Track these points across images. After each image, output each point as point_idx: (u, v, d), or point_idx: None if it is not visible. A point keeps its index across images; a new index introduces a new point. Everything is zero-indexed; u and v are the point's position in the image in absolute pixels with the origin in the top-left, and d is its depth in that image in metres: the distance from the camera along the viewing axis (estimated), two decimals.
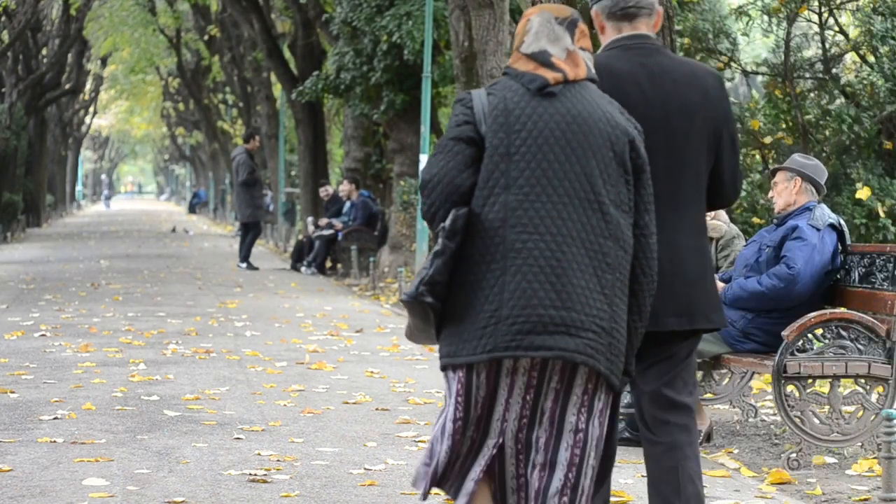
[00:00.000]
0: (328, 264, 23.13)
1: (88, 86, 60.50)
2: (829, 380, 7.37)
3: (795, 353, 7.32)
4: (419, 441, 7.70)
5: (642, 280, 4.35)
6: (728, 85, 23.61)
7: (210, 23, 42.41)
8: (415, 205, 21.16)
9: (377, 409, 8.86)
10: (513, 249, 4.18)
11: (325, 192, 24.65)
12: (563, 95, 4.32)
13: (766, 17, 14.23)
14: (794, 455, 7.30)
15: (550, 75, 4.33)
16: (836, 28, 14.63)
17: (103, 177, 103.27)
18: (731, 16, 15.19)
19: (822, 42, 14.46)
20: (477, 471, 4.28)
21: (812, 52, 15.17)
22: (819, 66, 14.47)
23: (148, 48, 48.03)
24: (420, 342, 4.42)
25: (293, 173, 40.04)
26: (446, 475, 4.34)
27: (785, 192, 7.88)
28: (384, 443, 7.69)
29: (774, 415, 8.84)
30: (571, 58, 4.38)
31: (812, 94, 14.47)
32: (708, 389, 8.73)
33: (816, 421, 7.34)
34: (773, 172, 8.08)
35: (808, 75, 14.51)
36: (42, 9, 38.93)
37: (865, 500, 6.56)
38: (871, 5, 13.83)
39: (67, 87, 47.04)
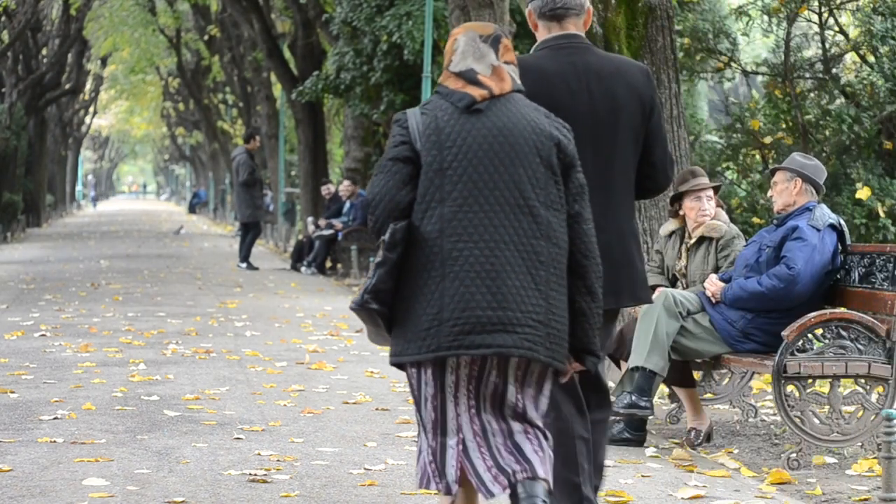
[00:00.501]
0: (328, 264, 23.12)
1: (88, 86, 60.46)
2: (829, 380, 7.37)
3: (795, 353, 7.32)
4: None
5: (585, 263, 4.67)
6: (728, 85, 23.59)
7: (210, 23, 42.37)
8: None
9: (377, 409, 8.86)
10: (450, 257, 4.52)
11: (326, 190, 24.68)
12: (489, 111, 4.64)
13: (766, 17, 14.24)
14: (794, 455, 7.30)
15: (477, 92, 4.65)
16: (836, 28, 14.64)
17: (90, 177, 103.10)
18: (731, 16, 15.22)
19: (822, 42, 14.46)
20: (451, 472, 4.60)
21: (812, 52, 15.18)
22: (819, 66, 14.48)
23: (148, 48, 47.98)
24: (380, 344, 4.76)
25: (293, 173, 40.01)
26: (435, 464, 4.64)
27: (785, 193, 7.87)
28: (384, 443, 7.69)
29: (774, 415, 8.84)
30: (497, 73, 4.69)
31: (812, 94, 14.48)
32: (708, 389, 8.73)
33: (816, 421, 7.34)
34: (773, 172, 8.07)
35: (808, 75, 14.52)
36: (42, 9, 38.90)
37: (865, 500, 6.56)
38: (871, 5, 13.83)
39: (67, 87, 47.02)
